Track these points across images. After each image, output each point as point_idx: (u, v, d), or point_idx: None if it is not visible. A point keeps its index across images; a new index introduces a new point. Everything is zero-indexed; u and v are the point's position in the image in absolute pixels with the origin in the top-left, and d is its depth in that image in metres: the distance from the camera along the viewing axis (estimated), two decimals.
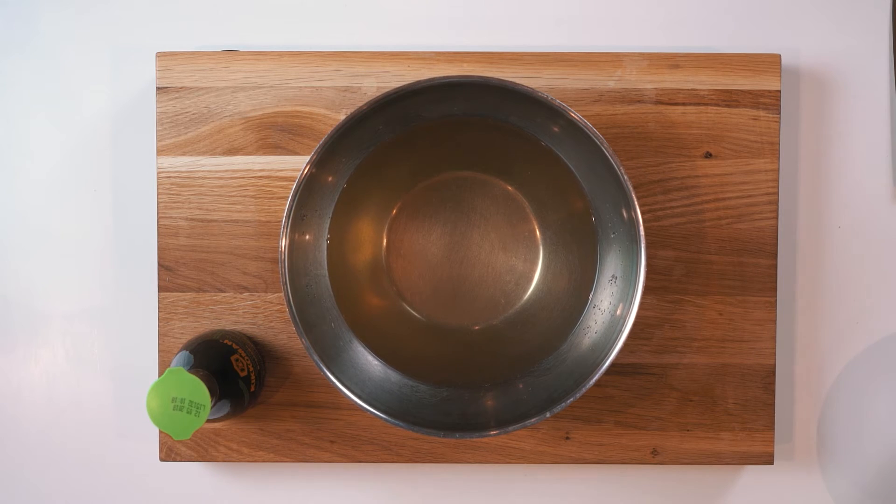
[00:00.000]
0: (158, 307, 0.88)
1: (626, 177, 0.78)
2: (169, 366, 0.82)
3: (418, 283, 0.88)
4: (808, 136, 0.90)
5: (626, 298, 0.80)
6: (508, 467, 0.91)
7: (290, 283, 0.80)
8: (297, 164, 0.88)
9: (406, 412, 0.80)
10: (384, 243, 0.88)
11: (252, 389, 0.82)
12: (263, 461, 0.88)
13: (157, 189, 0.88)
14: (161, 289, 0.88)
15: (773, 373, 0.88)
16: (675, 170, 0.87)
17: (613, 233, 0.83)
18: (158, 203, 0.88)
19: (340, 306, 0.84)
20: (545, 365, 0.84)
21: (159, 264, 0.88)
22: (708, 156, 0.88)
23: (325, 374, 0.79)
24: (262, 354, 0.87)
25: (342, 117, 0.87)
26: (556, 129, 0.81)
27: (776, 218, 0.87)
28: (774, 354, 0.88)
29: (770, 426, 0.88)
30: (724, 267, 0.88)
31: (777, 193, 0.87)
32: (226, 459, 0.88)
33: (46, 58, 0.91)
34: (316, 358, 0.79)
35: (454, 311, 0.88)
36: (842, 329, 0.91)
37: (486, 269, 0.87)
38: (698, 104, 0.87)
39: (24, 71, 0.91)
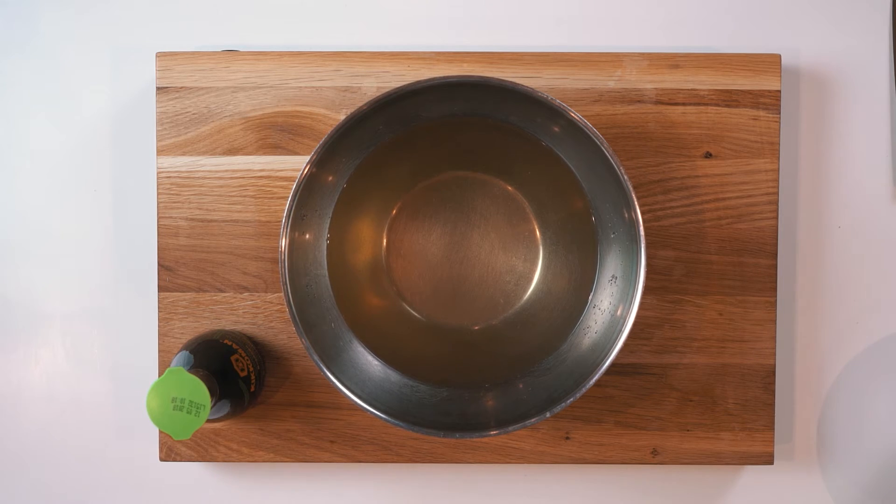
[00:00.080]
0: (158, 307, 0.88)
1: (626, 177, 0.78)
2: (169, 366, 0.82)
3: (418, 283, 0.88)
4: (808, 136, 0.90)
5: (626, 298, 0.80)
6: (508, 467, 0.91)
7: (290, 283, 0.80)
8: (297, 164, 0.88)
9: (406, 412, 0.80)
10: (384, 243, 0.88)
11: (252, 389, 0.82)
12: (263, 461, 0.88)
13: (157, 189, 0.88)
14: (161, 289, 0.88)
15: (773, 373, 0.88)
16: (675, 170, 0.87)
17: (613, 233, 0.83)
18: (158, 203, 0.88)
19: (340, 306, 0.84)
20: (545, 365, 0.84)
21: (159, 264, 0.88)
22: (708, 156, 0.88)
23: (325, 374, 0.79)
24: (262, 354, 0.87)
25: (342, 117, 0.87)
26: (556, 129, 0.81)
27: (776, 218, 0.87)
28: (774, 354, 0.88)
29: (770, 426, 0.88)
30: (724, 267, 0.88)
31: (777, 193, 0.87)
32: (226, 459, 0.88)
33: (46, 58, 0.91)
34: (316, 358, 0.79)
35: (454, 311, 0.88)
36: (842, 329, 0.91)
37: (486, 269, 0.87)
38: (698, 104, 0.87)
39: (24, 71, 0.91)
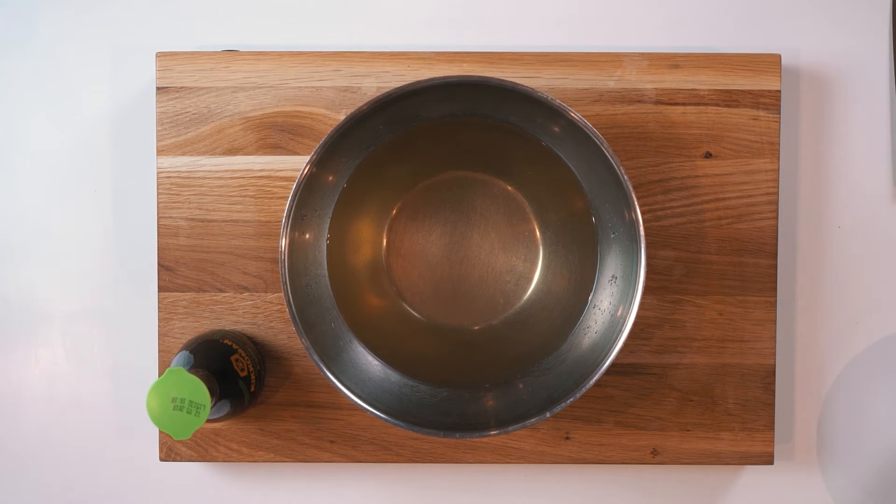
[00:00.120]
0: (158, 307, 0.88)
1: (626, 177, 0.78)
2: (169, 366, 0.82)
3: (418, 283, 0.88)
4: (808, 136, 0.90)
5: (626, 298, 0.80)
6: (508, 467, 0.91)
7: (290, 283, 0.80)
8: (297, 164, 0.88)
9: (406, 412, 0.80)
10: (384, 243, 0.88)
11: (252, 389, 0.82)
12: (263, 461, 0.88)
13: (157, 189, 0.88)
14: (161, 289, 0.88)
15: (773, 373, 0.88)
16: (675, 170, 0.87)
17: (613, 233, 0.83)
18: (158, 203, 0.88)
19: (340, 306, 0.84)
20: (545, 365, 0.84)
21: (159, 264, 0.88)
22: (708, 156, 0.87)
23: (325, 374, 0.79)
24: (262, 354, 0.87)
25: (342, 117, 0.87)
26: (556, 129, 0.81)
27: (776, 218, 0.87)
28: (774, 354, 0.88)
29: (770, 426, 0.88)
30: (724, 267, 0.88)
31: (777, 193, 0.87)
32: (226, 459, 0.88)
33: (46, 58, 0.91)
34: (316, 358, 0.79)
35: (454, 311, 0.88)
36: (842, 329, 0.91)
37: (486, 269, 0.87)
38: (698, 104, 0.87)
39: (24, 71, 0.91)
